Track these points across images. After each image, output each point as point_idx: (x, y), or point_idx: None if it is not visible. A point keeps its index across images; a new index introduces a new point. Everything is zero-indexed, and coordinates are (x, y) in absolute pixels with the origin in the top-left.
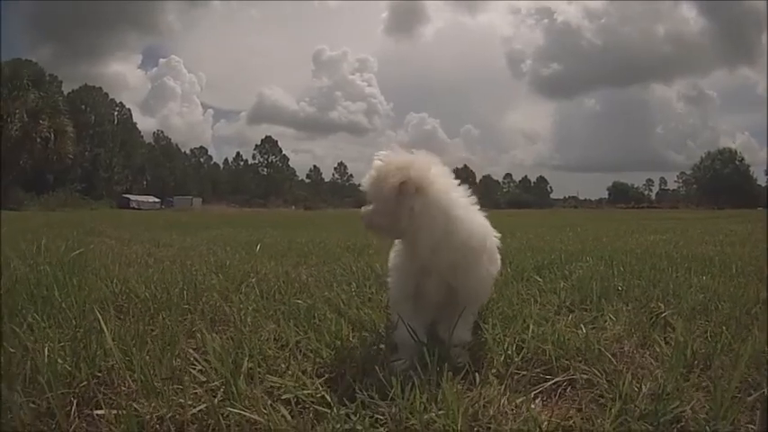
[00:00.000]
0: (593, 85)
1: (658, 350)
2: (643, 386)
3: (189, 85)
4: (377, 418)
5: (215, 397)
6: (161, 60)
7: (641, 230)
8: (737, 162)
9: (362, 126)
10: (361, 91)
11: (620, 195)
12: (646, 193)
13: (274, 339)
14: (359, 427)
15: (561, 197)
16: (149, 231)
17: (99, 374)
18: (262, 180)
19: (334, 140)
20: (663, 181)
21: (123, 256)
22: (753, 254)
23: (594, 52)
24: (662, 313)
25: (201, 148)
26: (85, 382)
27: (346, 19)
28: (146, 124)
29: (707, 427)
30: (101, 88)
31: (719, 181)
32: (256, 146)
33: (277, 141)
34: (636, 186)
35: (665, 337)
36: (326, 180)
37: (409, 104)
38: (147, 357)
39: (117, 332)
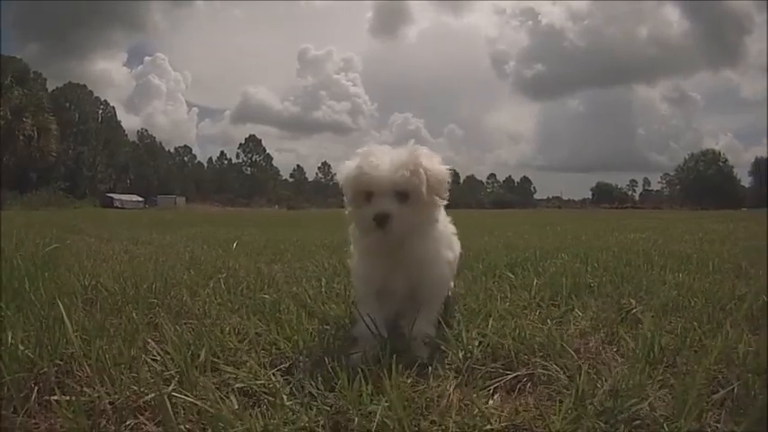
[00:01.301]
0: (576, 86)
1: (624, 346)
2: (602, 382)
3: (174, 84)
4: (323, 409)
5: (168, 385)
6: (146, 58)
7: (622, 229)
8: (721, 163)
9: (347, 126)
10: (345, 90)
11: (604, 196)
12: (629, 193)
13: (237, 332)
14: (304, 418)
15: (545, 197)
16: (130, 230)
17: (60, 362)
18: (245, 179)
19: (318, 140)
20: (646, 182)
21: (100, 253)
22: (731, 251)
23: (578, 53)
24: (632, 309)
25: (186, 146)
26: (46, 369)
27: (331, 19)
28: (130, 122)
29: (665, 426)
30: (85, 86)
31: (703, 182)
32: (240, 145)
33: (261, 140)
34: (620, 187)
35: (633, 333)
36: (310, 180)
37: (393, 104)
38: (107, 347)
39: (81, 323)
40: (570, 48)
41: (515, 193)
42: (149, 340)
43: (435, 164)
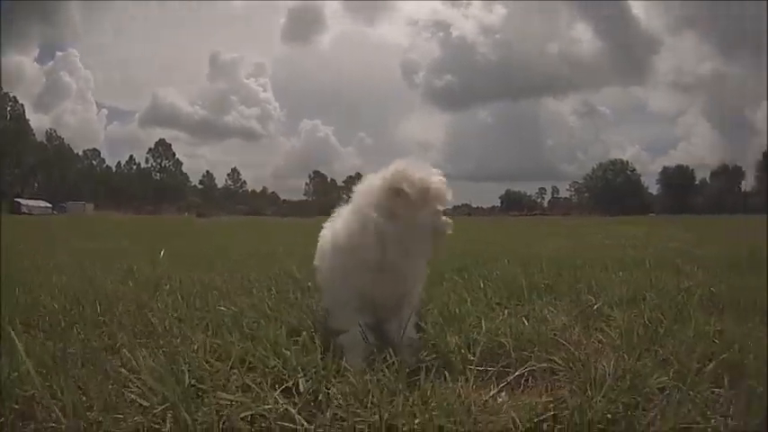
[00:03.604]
0: (487, 99)
1: (602, 336)
2: (607, 367)
3: (84, 82)
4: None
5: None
6: (58, 54)
7: (540, 237)
8: (629, 172)
9: (256, 132)
10: (255, 96)
11: (513, 203)
12: (538, 200)
13: (212, 351)
14: None
15: (454, 205)
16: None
17: (16, 407)
18: (155, 185)
19: (227, 146)
20: (555, 189)
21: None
22: (660, 254)
23: (489, 67)
24: (595, 305)
25: (94, 149)
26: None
27: (244, 23)
28: (39, 122)
29: (678, 396)
30: None
31: (611, 189)
32: (150, 149)
33: (171, 145)
34: (529, 194)
35: (607, 325)
36: (219, 186)
37: (303, 111)
38: (71, 381)
39: (30, 352)
40: (481, 61)
41: None
42: (121, 369)
43: None
